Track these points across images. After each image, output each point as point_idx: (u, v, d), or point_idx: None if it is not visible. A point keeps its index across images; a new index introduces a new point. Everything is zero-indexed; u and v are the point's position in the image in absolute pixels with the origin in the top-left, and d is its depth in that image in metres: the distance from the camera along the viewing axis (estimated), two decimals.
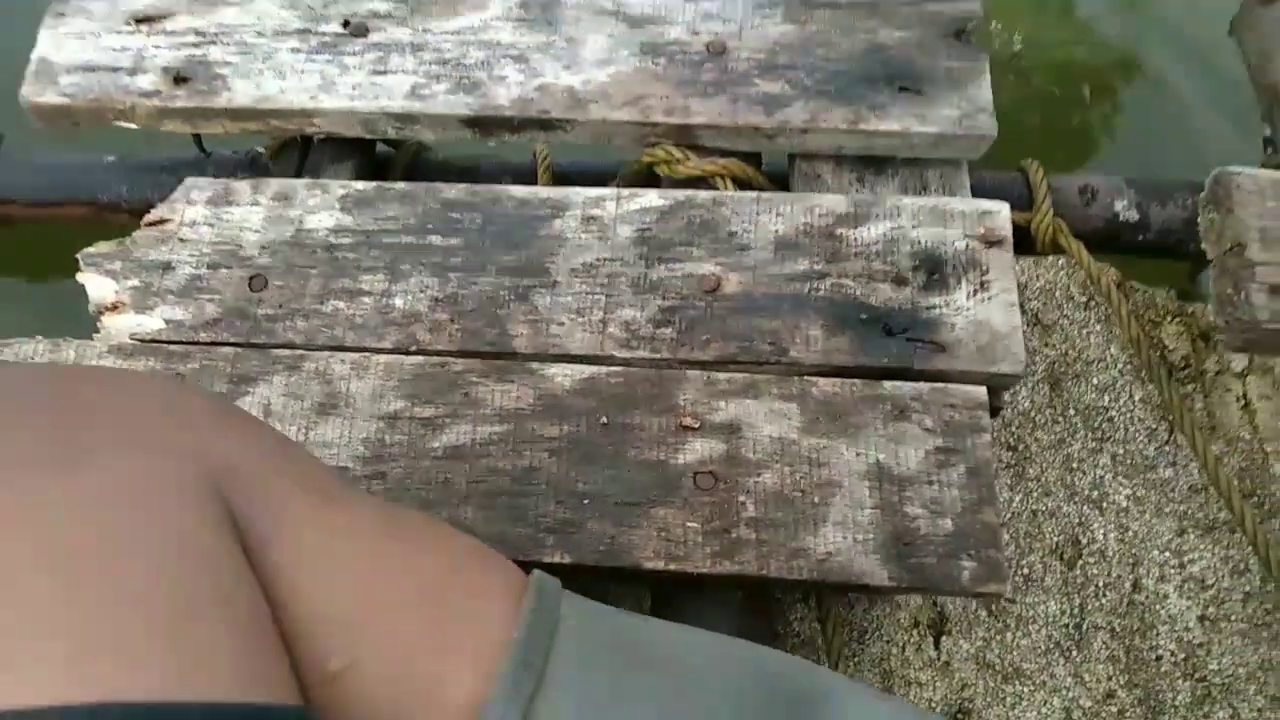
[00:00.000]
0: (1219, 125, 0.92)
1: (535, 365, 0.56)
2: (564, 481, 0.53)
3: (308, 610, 0.30)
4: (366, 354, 0.58)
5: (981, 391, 0.56)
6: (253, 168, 0.75)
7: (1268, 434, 0.68)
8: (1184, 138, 0.92)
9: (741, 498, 0.52)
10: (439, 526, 0.37)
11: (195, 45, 0.67)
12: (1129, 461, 0.67)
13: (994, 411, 0.59)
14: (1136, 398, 0.69)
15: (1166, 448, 0.67)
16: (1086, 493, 0.66)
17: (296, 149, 0.69)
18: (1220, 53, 0.90)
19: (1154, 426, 0.68)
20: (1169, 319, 0.74)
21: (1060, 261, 0.75)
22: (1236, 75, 0.86)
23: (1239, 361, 0.72)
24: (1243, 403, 0.70)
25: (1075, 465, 0.66)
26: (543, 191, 0.62)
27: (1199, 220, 0.65)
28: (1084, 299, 0.73)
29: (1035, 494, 0.66)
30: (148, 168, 0.78)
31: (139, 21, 0.69)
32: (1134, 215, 0.77)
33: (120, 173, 0.78)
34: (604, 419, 0.55)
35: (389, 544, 0.34)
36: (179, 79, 0.66)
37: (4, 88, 0.70)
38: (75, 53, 0.68)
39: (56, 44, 0.68)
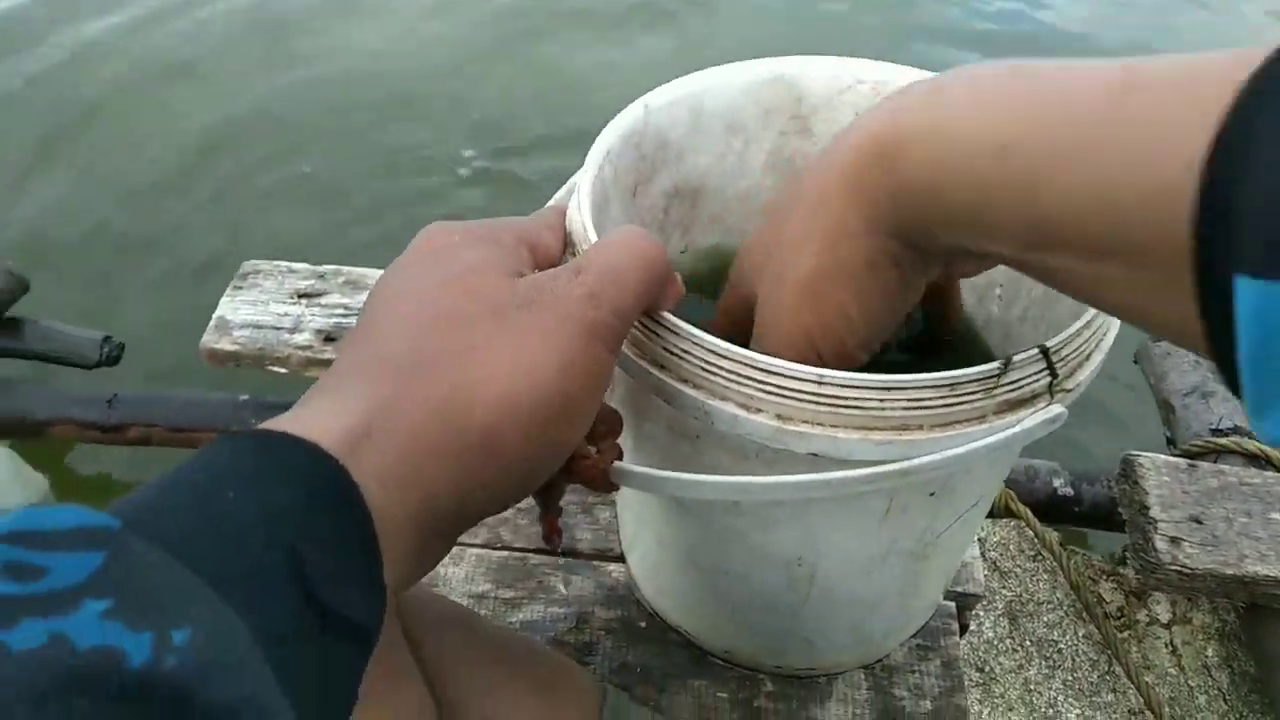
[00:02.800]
0: (1131, 427, 1.14)
1: (597, 563, 0.71)
2: (616, 655, 0.66)
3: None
4: (461, 546, 0.72)
5: (950, 605, 0.70)
6: None
7: (1191, 671, 0.81)
8: (1106, 437, 1.14)
9: (762, 675, 0.65)
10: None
11: (343, 315, 0.88)
12: (1077, 686, 0.79)
13: (962, 629, 0.73)
14: (1080, 634, 0.83)
15: (1108, 676, 0.80)
16: (1044, 710, 0.78)
17: None
18: (1132, 373, 1.13)
19: (1096, 658, 0.81)
20: (1104, 577, 0.89)
21: (1013, 523, 0.92)
22: (1143, 392, 1.08)
23: (1165, 614, 0.87)
24: (1170, 647, 0.84)
25: (1033, 687, 0.79)
26: None
27: (1115, 492, 0.83)
28: (1033, 553, 0.89)
29: (1000, 709, 0.78)
30: (273, 406, 0.96)
31: (300, 296, 0.90)
32: (1069, 491, 0.96)
33: (250, 409, 0.96)
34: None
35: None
36: (328, 338, 0.86)
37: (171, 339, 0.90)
38: (248, 315, 0.88)
39: (234, 308, 0.89)
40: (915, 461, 0.41)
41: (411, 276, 0.32)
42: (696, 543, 0.56)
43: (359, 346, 0.30)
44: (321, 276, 0.92)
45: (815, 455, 0.42)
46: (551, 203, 0.51)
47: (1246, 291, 0.22)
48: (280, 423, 0.26)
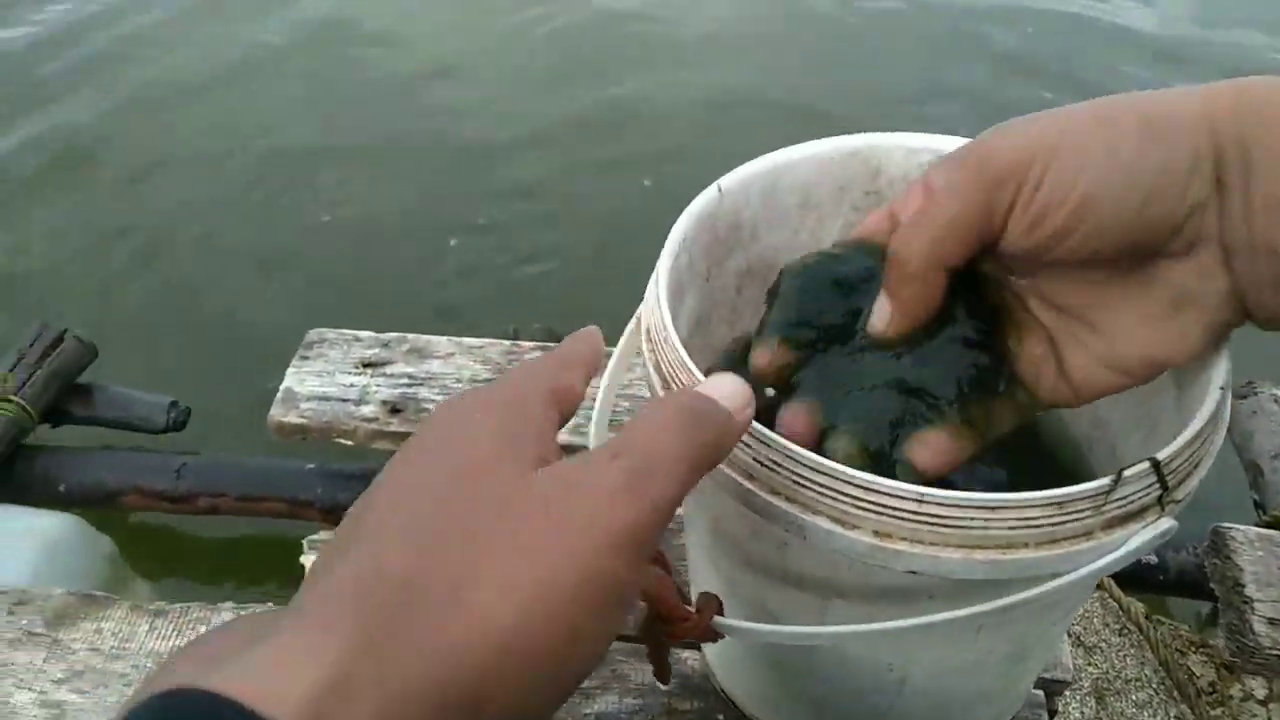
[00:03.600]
0: (1218, 491, 1.10)
1: (672, 650, 0.70)
2: None
3: None
4: None
5: (1039, 694, 0.68)
6: None
7: None
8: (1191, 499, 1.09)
9: None
10: None
11: (408, 385, 0.88)
12: None
13: (1051, 715, 0.70)
14: (1172, 715, 0.79)
15: None
16: None
17: None
18: None
19: None
20: (1193, 649, 0.85)
21: (1097, 594, 0.89)
22: (1227, 452, 1.05)
23: (1260, 690, 0.83)
24: None
25: None
26: None
27: (1205, 565, 0.80)
28: (1118, 626, 0.86)
29: None
30: (339, 474, 0.96)
31: (365, 366, 0.90)
32: (1153, 559, 0.92)
33: (318, 477, 0.96)
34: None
35: None
36: (394, 410, 0.86)
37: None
38: (314, 386, 0.89)
39: (300, 379, 0.90)
40: (1022, 595, 0.39)
41: (419, 468, 0.29)
42: (780, 644, 0.54)
43: (350, 554, 0.26)
44: (386, 345, 0.92)
45: (914, 573, 0.41)
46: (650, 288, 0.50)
47: None
48: (230, 676, 0.21)
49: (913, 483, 0.37)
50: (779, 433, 0.39)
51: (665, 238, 0.52)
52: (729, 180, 0.56)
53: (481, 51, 2.38)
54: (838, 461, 0.38)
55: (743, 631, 0.44)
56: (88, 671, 0.66)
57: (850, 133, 0.59)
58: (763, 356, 0.41)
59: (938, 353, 0.38)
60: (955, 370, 0.38)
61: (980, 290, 0.39)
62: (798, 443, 0.39)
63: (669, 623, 0.44)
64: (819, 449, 0.39)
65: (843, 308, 0.40)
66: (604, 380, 0.56)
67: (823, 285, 0.41)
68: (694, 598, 0.60)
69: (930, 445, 0.37)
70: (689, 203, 0.54)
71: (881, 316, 0.38)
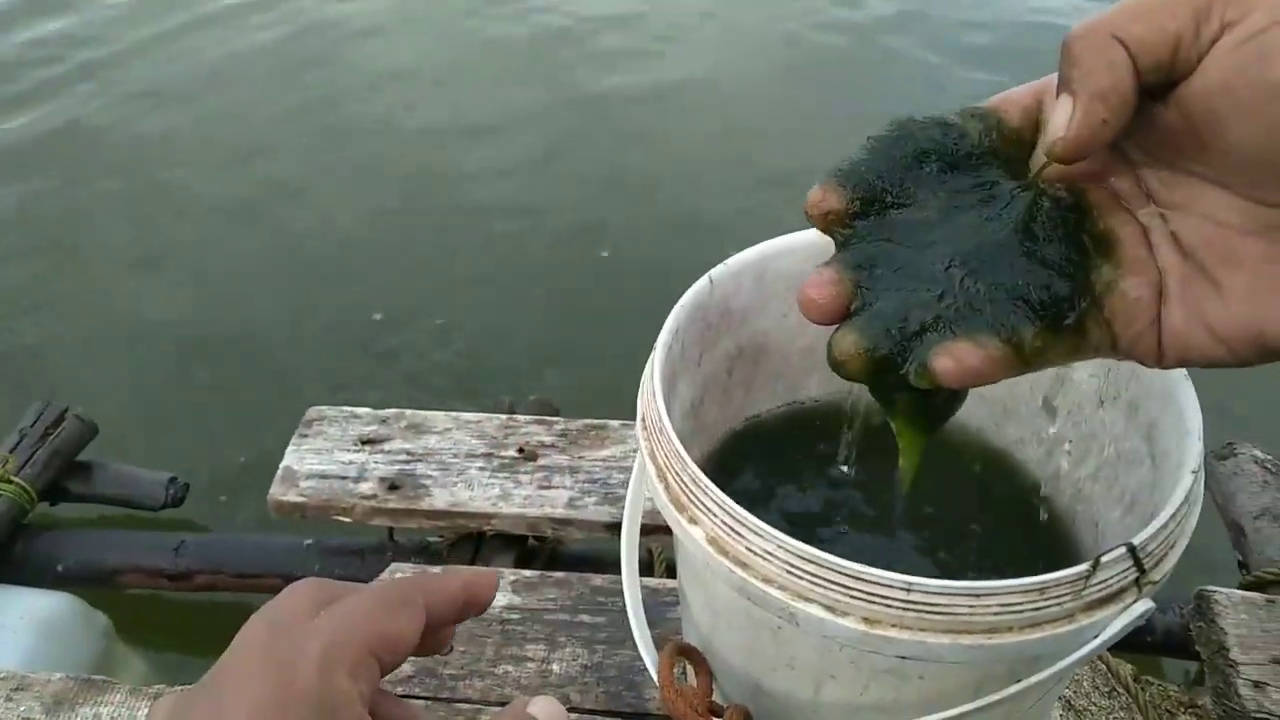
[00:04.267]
0: (1202, 551, 1.11)
1: None
2: None
3: None
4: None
5: None
6: (424, 554, 0.94)
7: None
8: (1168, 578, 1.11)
9: None
10: None
11: (405, 462, 0.90)
12: None
13: None
14: None
15: None
16: None
17: (471, 542, 0.89)
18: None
19: None
20: (1182, 710, 0.86)
21: None
22: (1211, 513, 1.06)
23: None
24: None
25: None
26: (669, 582, 0.80)
27: (1190, 627, 0.81)
28: (1107, 689, 0.87)
29: None
30: (339, 550, 0.97)
31: (364, 443, 0.92)
32: (1141, 621, 0.93)
33: (315, 554, 0.97)
34: None
35: None
36: (392, 486, 0.88)
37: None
38: (313, 464, 0.90)
39: (299, 457, 0.91)
40: (1013, 689, 0.41)
41: (241, 684, 0.27)
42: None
43: None
44: (384, 421, 0.94)
45: (904, 658, 0.42)
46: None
47: None
48: None
49: (925, 386, 0.32)
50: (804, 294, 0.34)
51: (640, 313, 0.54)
52: (719, 271, 0.59)
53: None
54: (832, 357, 0.33)
55: None
56: None
57: None
58: (811, 194, 0.34)
59: (1008, 262, 0.32)
60: (1023, 288, 0.32)
61: (1094, 214, 0.33)
62: (814, 311, 0.34)
63: None
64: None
65: (931, 183, 0.34)
66: (629, 494, 0.58)
67: (910, 149, 0.34)
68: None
69: (958, 357, 0.31)
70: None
71: (1063, 116, 0.29)
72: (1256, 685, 0.72)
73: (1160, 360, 0.32)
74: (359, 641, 0.28)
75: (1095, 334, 0.32)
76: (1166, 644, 0.92)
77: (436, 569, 0.81)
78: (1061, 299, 0.32)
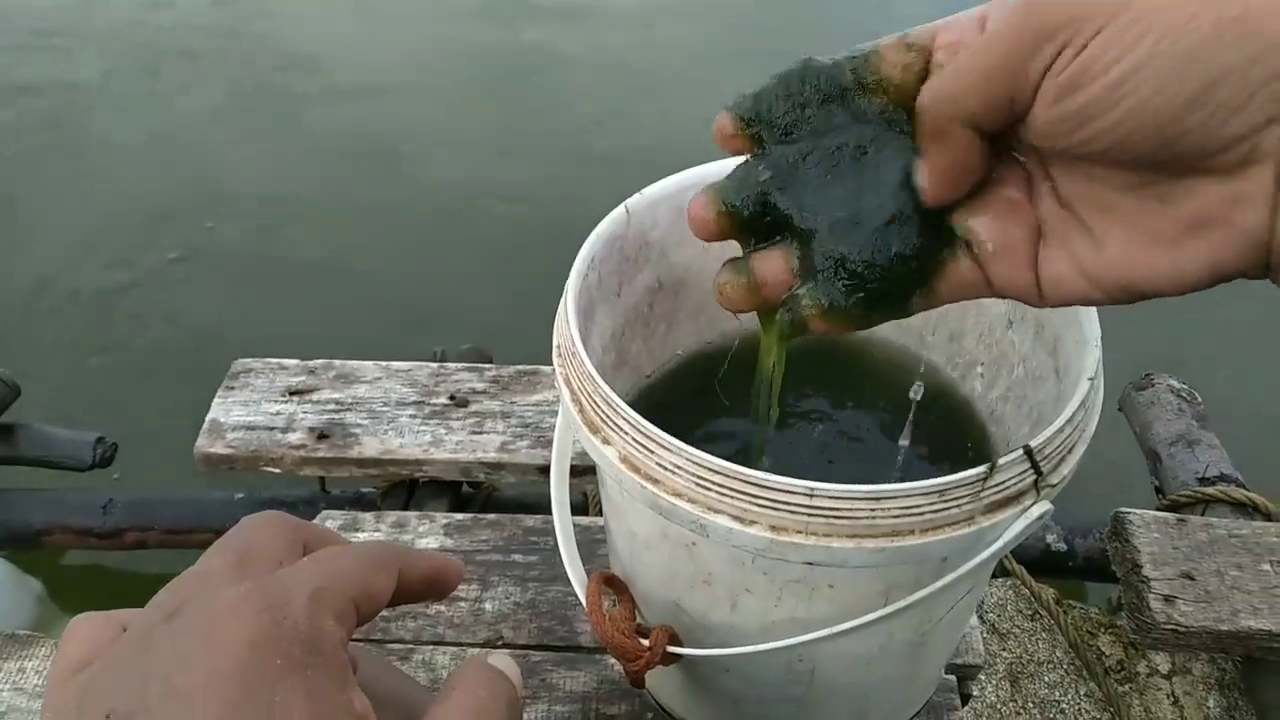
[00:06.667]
0: (1122, 477, 1.15)
1: (599, 656, 0.71)
2: None
3: None
4: (463, 647, 0.72)
5: (951, 679, 0.71)
6: (358, 503, 0.93)
7: None
8: (1096, 485, 1.14)
9: None
10: None
11: (335, 411, 0.89)
12: None
13: (964, 699, 0.73)
14: (1082, 692, 0.83)
15: None
16: None
17: (404, 489, 0.89)
18: (1117, 422, 1.14)
19: (1099, 716, 0.82)
20: (1102, 630, 0.90)
21: (1009, 582, 0.93)
22: (1130, 442, 1.10)
23: (1164, 664, 0.87)
24: (1172, 699, 0.84)
25: None
26: (599, 520, 0.81)
27: (1107, 548, 0.84)
28: (1030, 612, 0.90)
29: None
30: (270, 503, 0.96)
31: (292, 394, 0.91)
32: (1063, 546, 0.97)
33: (247, 507, 0.96)
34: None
35: None
36: (321, 435, 0.87)
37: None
38: (240, 416, 0.89)
39: (226, 409, 0.90)
40: (920, 594, 0.42)
41: (230, 620, 0.26)
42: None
43: None
44: (312, 372, 0.93)
45: (810, 564, 0.43)
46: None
47: None
48: None
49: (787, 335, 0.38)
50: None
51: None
52: (635, 201, 0.58)
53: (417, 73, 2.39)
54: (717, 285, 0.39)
55: (695, 657, 0.46)
56: (11, 711, 0.66)
57: None
58: (717, 120, 0.37)
59: (855, 221, 0.35)
60: (853, 258, 0.35)
61: None
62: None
63: (628, 661, 0.46)
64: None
65: (820, 120, 0.36)
66: (557, 432, 0.58)
67: (809, 85, 0.36)
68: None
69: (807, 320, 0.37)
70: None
71: (921, 178, 0.33)
72: (1167, 599, 0.75)
73: (1041, 301, 0.34)
74: (343, 589, 0.29)
75: (955, 285, 0.35)
76: (1088, 568, 0.96)
77: (369, 515, 0.80)
78: (890, 271, 0.35)
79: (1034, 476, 0.44)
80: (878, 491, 0.41)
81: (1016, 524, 0.44)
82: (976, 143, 0.32)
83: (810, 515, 0.41)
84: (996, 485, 0.43)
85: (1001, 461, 0.42)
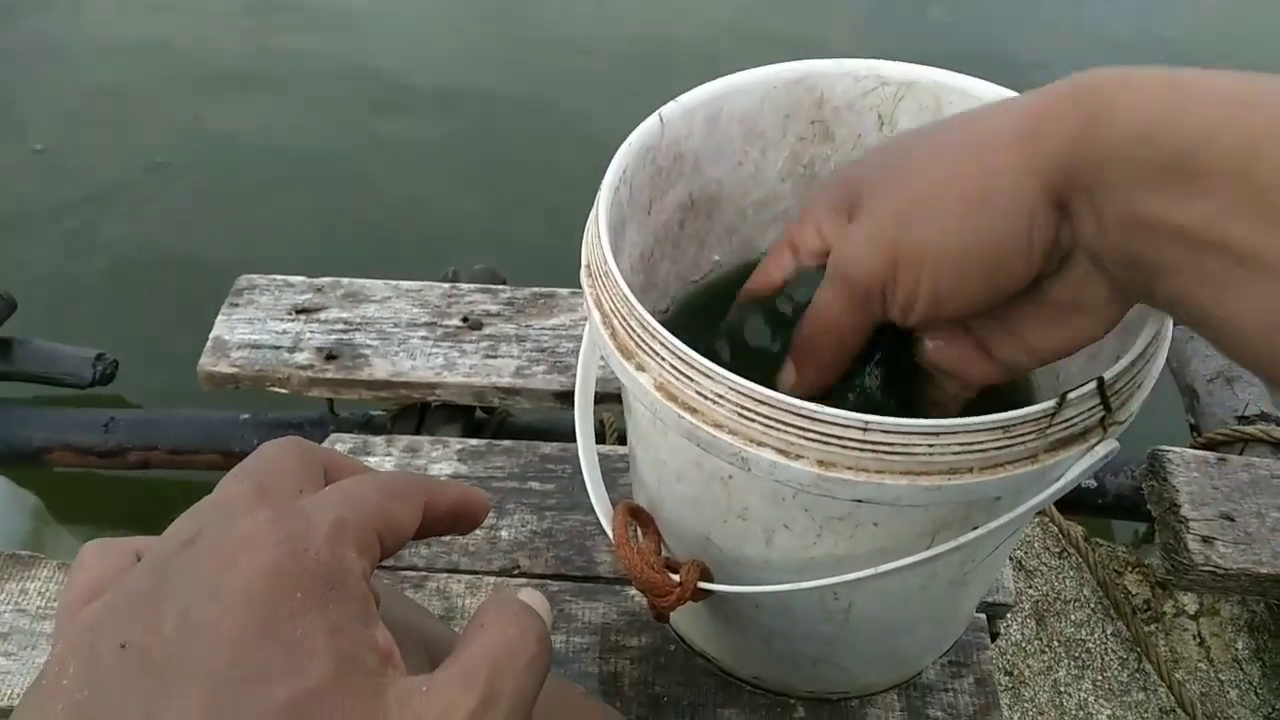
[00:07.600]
0: (1157, 416, 1.12)
1: (618, 587, 0.69)
2: (642, 684, 0.64)
3: None
4: (478, 575, 0.70)
5: (982, 618, 0.69)
6: (367, 427, 0.91)
7: (1221, 665, 0.80)
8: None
9: (793, 700, 0.63)
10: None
11: (344, 331, 0.86)
12: (1107, 686, 0.78)
13: (992, 636, 0.71)
14: (1108, 632, 0.82)
15: (1137, 675, 0.79)
16: (1074, 713, 0.76)
17: (415, 413, 0.86)
18: None
19: (1125, 656, 0.80)
20: (1129, 569, 0.88)
21: (1038, 519, 0.90)
22: (1164, 377, 1.06)
23: (1192, 605, 0.85)
24: (1198, 640, 0.83)
25: (1063, 689, 0.78)
26: (620, 449, 0.78)
27: (1143, 487, 0.82)
28: (1058, 550, 0.88)
29: (1031, 713, 0.76)
30: (276, 424, 0.94)
31: (299, 312, 0.87)
32: (1093, 483, 0.94)
33: (253, 428, 0.93)
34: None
35: None
36: (329, 356, 0.84)
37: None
38: (245, 334, 0.86)
39: (230, 327, 0.87)
40: (969, 535, 0.39)
41: (249, 549, 0.24)
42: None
43: None
44: (319, 290, 0.89)
45: (858, 501, 0.40)
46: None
47: None
48: None
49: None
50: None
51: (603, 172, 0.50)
52: (670, 109, 0.54)
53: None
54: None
55: (726, 593, 0.43)
56: (14, 633, 0.64)
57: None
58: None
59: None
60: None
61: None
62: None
63: (657, 597, 0.43)
64: None
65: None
66: (582, 355, 0.56)
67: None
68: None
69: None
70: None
71: (786, 381, 0.42)
72: (1205, 540, 0.73)
73: (1010, 377, 0.41)
74: (366, 519, 0.27)
75: (949, 384, 0.43)
76: (1117, 506, 0.93)
77: (379, 439, 0.78)
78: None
79: (1103, 413, 0.41)
80: (937, 426, 0.37)
81: (1081, 462, 0.41)
82: (839, 369, 0.42)
83: (862, 450, 0.38)
84: (1065, 421, 0.39)
85: (1072, 395, 0.39)
